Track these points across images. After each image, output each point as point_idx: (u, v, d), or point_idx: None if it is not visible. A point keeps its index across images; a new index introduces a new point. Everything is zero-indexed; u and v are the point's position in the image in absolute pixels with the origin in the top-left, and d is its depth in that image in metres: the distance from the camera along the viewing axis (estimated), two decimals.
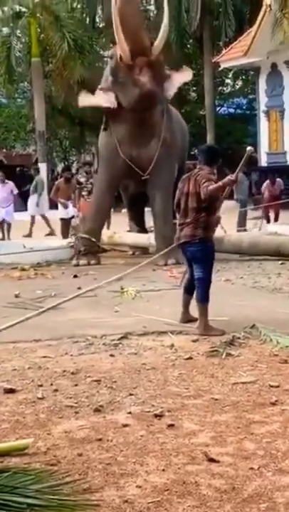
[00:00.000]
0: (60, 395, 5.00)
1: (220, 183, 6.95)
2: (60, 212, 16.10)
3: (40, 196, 19.80)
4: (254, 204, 20.24)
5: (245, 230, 16.24)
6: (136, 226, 14.55)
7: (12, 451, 3.97)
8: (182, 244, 7.23)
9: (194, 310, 7.22)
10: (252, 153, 7.55)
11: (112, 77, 12.22)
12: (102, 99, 12.38)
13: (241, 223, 16.93)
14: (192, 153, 18.34)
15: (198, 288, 7.06)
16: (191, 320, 7.16)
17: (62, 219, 15.97)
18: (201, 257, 7.06)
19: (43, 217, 19.19)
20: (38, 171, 21.34)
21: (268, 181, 18.54)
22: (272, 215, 18.39)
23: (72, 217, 15.61)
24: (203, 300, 6.96)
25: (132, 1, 11.85)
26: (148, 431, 4.26)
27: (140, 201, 14.12)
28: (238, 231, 15.82)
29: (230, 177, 7.07)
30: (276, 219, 18.00)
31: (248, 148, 7.81)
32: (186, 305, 7.31)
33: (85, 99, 12.95)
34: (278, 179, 18.62)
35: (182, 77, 13.02)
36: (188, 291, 7.32)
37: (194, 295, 7.16)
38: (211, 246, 7.19)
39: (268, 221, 17.84)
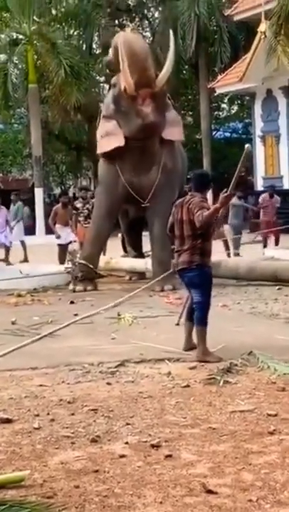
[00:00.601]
0: (56, 424, 4.97)
1: (214, 207, 6.98)
2: (60, 238, 16.05)
3: (19, 222, 19.79)
4: (250, 228, 20.27)
5: (238, 255, 16.22)
6: (133, 251, 14.54)
7: (8, 483, 3.93)
8: (180, 270, 7.24)
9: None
10: (243, 172, 7.57)
11: (114, 105, 12.27)
12: (113, 140, 12.38)
13: (236, 248, 16.89)
14: (188, 177, 18.36)
15: (196, 311, 7.08)
16: (195, 347, 7.12)
17: (59, 245, 15.95)
18: (198, 282, 7.09)
19: (22, 243, 19.20)
20: (18, 196, 21.22)
21: (266, 194, 18.48)
22: (270, 239, 18.34)
23: (70, 242, 15.59)
24: (202, 324, 6.98)
25: (138, 36, 11.97)
26: (145, 462, 4.22)
27: (138, 226, 14.14)
28: (235, 254, 15.85)
29: (222, 195, 7.05)
30: (276, 243, 17.97)
31: (246, 145, 7.85)
32: (189, 332, 7.27)
33: (102, 146, 12.85)
34: (276, 195, 18.54)
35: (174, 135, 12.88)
36: (191, 318, 7.31)
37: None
38: (208, 271, 7.20)
39: (265, 245, 17.80)
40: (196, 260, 7.04)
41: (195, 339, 7.15)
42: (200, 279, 7.08)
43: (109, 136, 12.50)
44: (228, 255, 15.69)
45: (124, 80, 11.65)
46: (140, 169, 12.37)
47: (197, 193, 7.17)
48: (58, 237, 15.83)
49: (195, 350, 6.98)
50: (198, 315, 7.04)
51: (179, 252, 7.21)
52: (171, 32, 13.86)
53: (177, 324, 7.98)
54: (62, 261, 15.14)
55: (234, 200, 16.73)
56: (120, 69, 11.64)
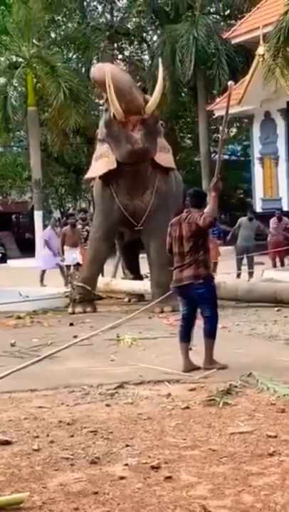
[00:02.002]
0: (56, 446, 4.95)
1: (211, 198, 7.34)
2: (67, 259, 16.06)
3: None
4: (256, 249, 20.26)
5: (239, 275, 16.14)
6: (130, 273, 14.54)
7: (7, 505, 3.91)
8: (185, 286, 7.34)
9: (192, 356, 7.24)
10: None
11: (106, 129, 12.36)
12: (106, 163, 12.49)
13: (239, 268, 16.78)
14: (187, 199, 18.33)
15: (207, 324, 7.35)
16: (195, 368, 7.20)
17: (66, 266, 16.01)
18: (209, 296, 7.38)
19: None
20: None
21: (274, 218, 18.46)
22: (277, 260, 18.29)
23: (78, 264, 15.52)
24: (212, 335, 7.32)
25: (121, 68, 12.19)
26: (145, 483, 4.20)
27: (134, 249, 14.14)
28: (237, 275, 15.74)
29: (211, 184, 7.47)
30: (282, 264, 17.96)
31: (230, 82, 8.02)
32: (186, 353, 7.35)
33: (96, 169, 12.95)
34: (284, 218, 18.52)
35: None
36: (185, 338, 7.41)
37: (203, 331, 7.39)
38: (213, 284, 7.53)
39: (275, 265, 17.81)
40: (202, 273, 7.28)
41: (193, 358, 7.33)
42: (210, 294, 7.39)
43: (102, 159, 12.62)
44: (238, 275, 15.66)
45: (113, 107, 11.73)
46: (134, 192, 12.48)
47: (194, 209, 7.43)
48: (63, 260, 15.88)
49: (194, 371, 7.06)
50: (209, 327, 7.32)
51: (181, 268, 7.35)
52: (160, 61, 14.10)
53: (190, 349, 7.91)
54: (68, 282, 15.15)
55: (244, 222, 16.74)
56: (108, 97, 11.72)
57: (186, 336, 7.42)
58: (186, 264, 7.29)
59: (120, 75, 12.38)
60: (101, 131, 12.79)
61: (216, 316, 7.41)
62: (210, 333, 7.29)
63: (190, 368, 7.21)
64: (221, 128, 7.88)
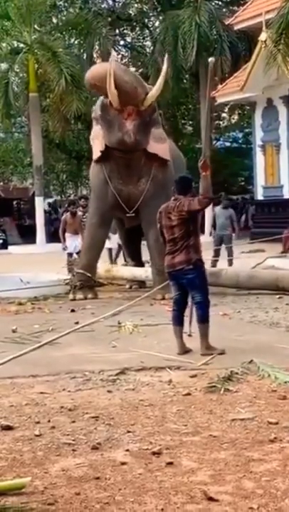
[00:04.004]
0: (57, 432, 4.96)
1: (202, 175, 7.41)
2: (69, 247, 16.06)
3: None
4: (251, 238, 20.23)
5: (215, 263, 15.59)
6: (131, 261, 14.53)
7: (9, 490, 3.92)
8: (177, 270, 7.40)
9: (190, 342, 7.27)
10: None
11: (101, 112, 12.31)
12: (97, 146, 12.53)
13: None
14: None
15: (198, 310, 7.41)
16: (187, 350, 7.37)
17: (68, 253, 16.03)
18: (199, 282, 7.40)
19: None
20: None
21: None
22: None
23: (79, 252, 15.57)
24: (205, 321, 7.33)
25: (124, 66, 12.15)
26: (146, 469, 4.22)
27: (135, 236, 14.09)
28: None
29: (200, 161, 7.54)
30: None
31: (210, 59, 8.15)
32: (180, 336, 7.51)
33: (94, 151, 12.91)
34: None
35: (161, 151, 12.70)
36: (179, 322, 7.57)
37: (195, 318, 7.52)
38: (203, 270, 7.58)
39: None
40: (193, 257, 7.33)
41: (188, 343, 7.47)
42: (200, 280, 7.41)
43: (95, 141, 12.66)
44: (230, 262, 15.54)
45: (110, 94, 11.66)
46: (127, 179, 12.40)
47: (181, 196, 7.45)
48: (65, 248, 15.89)
49: (191, 355, 7.18)
50: (201, 313, 7.36)
51: (172, 254, 7.41)
52: (166, 56, 14.00)
53: (189, 335, 7.96)
54: (71, 269, 15.16)
55: (217, 211, 16.65)
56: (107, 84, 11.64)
57: (179, 320, 7.55)
58: (178, 250, 7.35)
59: (123, 68, 12.45)
60: (95, 111, 12.77)
61: (207, 301, 7.43)
62: (202, 319, 7.33)
63: (183, 349, 7.36)
64: (206, 104, 7.97)
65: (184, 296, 7.60)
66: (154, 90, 12.13)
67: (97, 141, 12.58)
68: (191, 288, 7.44)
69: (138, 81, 12.06)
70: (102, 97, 12.56)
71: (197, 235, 7.51)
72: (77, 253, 15.48)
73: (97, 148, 12.61)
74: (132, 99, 11.73)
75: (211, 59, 8.35)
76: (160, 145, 12.57)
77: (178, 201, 7.39)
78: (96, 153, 12.68)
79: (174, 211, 7.37)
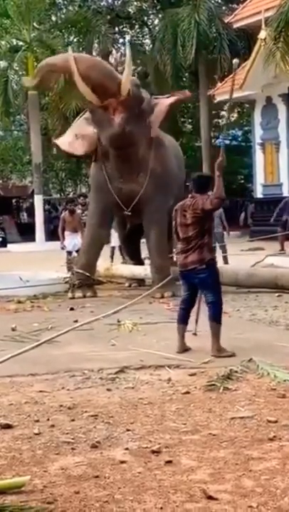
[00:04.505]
0: (56, 430, 4.96)
1: (216, 176, 7.36)
2: (68, 246, 16.06)
3: None
4: (250, 237, 20.22)
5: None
6: (130, 260, 14.48)
7: (9, 488, 3.92)
8: (189, 270, 7.36)
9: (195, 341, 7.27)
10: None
11: (91, 115, 12.32)
12: (82, 145, 12.60)
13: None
14: (187, 184, 18.23)
15: (211, 309, 7.36)
16: (187, 349, 7.36)
17: (68, 252, 16.04)
18: (211, 282, 7.36)
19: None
20: None
21: None
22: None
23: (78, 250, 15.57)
24: (217, 320, 7.30)
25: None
26: (145, 467, 4.22)
27: (135, 235, 14.03)
28: None
29: (217, 162, 7.52)
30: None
31: (234, 60, 8.03)
32: (182, 335, 7.48)
33: (76, 148, 12.91)
34: None
35: (168, 100, 12.75)
36: (183, 321, 7.55)
37: (207, 317, 7.44)
38: (216, 269, 7.51)
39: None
40: (206, 257, 7.28)
41: (191, 342, 7.49)
42: (212, 280, 7.36)
43: (83, 141, 12.62)
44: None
45: (84, 92, 11.65)
46: (128, 176, 12.32)
47: (198, 195, 7.36)
48: (63, 247, 15.88)
49: (190, 353, 7.22)
50: (214, 313, 7.31)
51: (186, 253, 7.35)
52: (127, 43, 13.85)
53: (194, 334, 7.96)
54: (70, 268, 15.16)
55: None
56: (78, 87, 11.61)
57: (184, 319, 7.54)
58: (191, 249, 7.29)
59: (86, 58, 12.32)
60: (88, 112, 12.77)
61: (220, 300, 7.40)
62: (214, 317, 7.28)
63: (183, 348, 7.37)
64: (226, 106, 7.97)
65: (192, 296, 7.60)
66: (124, 77, 11.76)
67: (83, 141, 12.57)
68: (203, 287, 7.41)
69: (107, 69, 11.85)
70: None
71: (210, 234, 7.46)
72: (77, 251, 15.48)
73: (81, 149, 12.66)
74: (105, 89, 11.51)
75: (235, 60, 8.25)
76: (158, 118, 12.40)
77: (194, 199, 7.33)
78: (77, 152, 12.84)
79: (189, 209, 7.30)
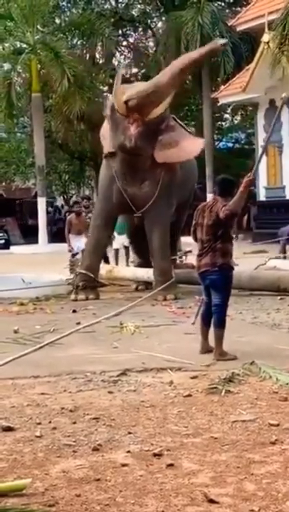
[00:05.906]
0: (58, 433, 4.96)
1: (238, 192, 7.20)
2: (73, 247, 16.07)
3: None
4: (253, 240, 20.20)
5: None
6: (138, 258, 14.52)
7: (10, 491, 3.92)
8: (202, 272, 7.38)
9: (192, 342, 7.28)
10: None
11: (110, 112, 12.33)
12: (105, 145, 12.72)
13: None
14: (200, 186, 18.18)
15: (215, 314, 7.31)
16: (211, 351, 7.32)
17: (72, 254, 16.04)
18: (220, 285, 7.32)
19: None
20: None
21: None
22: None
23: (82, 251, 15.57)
24: (220, 326, 7.27)
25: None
26: (147, 471, 4.21)
27: (143, 233, 14.01)
28: None
29: (246, 178, 7.33)
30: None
31: (284, 95, 7.91)
32: (205, 336, 7.48)
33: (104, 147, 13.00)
34: None
35: (191, 149, 12.73)
36: (206, 322, 7.51)
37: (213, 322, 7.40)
38: (230, 274, 7.43)
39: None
40: (218, 261, 7.23)
41: (189, 344, 7.52)
42: (222, 282, 7.32)
43: (103, 138, 12.83)
44: None
45: (116, 101, 11.80)
46: (131, 180, 12.36)
47: (220, 198, 7.32)
48: (71, 250, 15.85)
49: (192, 355, 7.19)
50: (217, 317, 7.29)
51: (200, 256, 7.38)
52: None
53: (193, 323, 7.97)
54: (72, 270, 15.14)
55: None
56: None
57: (206, 320, 7.50)
58: (204, 253, 7.30)
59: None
60: (107, 110, 12.76)
61: (225, 305, 7.38)
62: (218, 324, 7.25)
63: (206, 349, 7.38)
64: (266, 135, 7.85)
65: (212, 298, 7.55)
66: (160, 109, 11.95)
67: (105, 141, 12.67)
68: (212, 288, 7.38)
69: (156, 95, 11.80)
70: (111, 97, 12.61)
71: (227, 239, 7.33)
72: (79, 253, 15.49)
73: (105, 148, 12.72)
74: (139, 109, 11.70)
75: (284, 95, 8.14)
76: (169, 151, 12.25)
77: (215, 202, 7.32)
78: (105, 151, 12.82)
79: (207, 211, 7.29)
